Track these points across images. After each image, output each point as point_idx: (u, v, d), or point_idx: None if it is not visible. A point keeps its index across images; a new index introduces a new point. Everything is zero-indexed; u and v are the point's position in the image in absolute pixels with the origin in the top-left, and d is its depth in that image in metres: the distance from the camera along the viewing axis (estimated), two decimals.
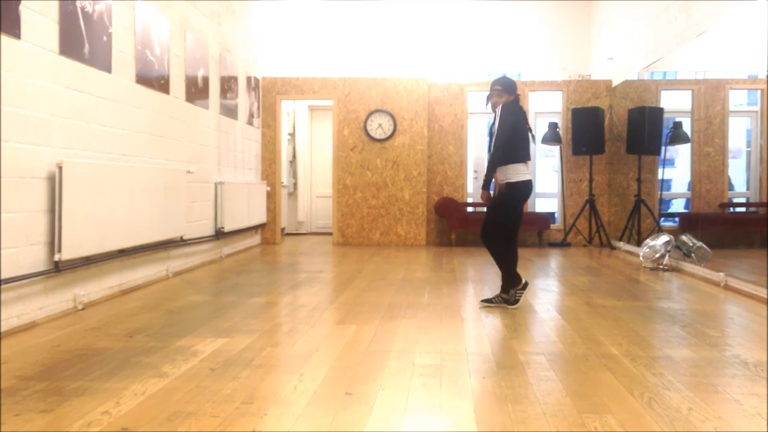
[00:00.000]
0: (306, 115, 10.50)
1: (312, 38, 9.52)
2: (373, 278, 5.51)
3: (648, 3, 7.14)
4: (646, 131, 7.32)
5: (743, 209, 6.72)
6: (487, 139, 4.62)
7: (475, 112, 9.04)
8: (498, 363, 2.91)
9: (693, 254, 5.93)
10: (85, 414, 2.21)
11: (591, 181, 8.42)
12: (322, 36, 9.50)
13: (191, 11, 5.98)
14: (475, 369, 2.80)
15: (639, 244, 7.05)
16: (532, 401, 2.38)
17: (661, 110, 7.37)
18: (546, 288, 5.10)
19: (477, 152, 9.43)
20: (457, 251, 7.81)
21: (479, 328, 3.62)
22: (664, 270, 6.03)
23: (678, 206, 7.69)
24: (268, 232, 8.63)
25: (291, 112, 10.01)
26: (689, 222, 6.86)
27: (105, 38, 4.35)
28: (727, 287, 5.00)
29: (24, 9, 3.48)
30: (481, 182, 4.74)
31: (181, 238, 5.58)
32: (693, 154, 6.64)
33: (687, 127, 6.76)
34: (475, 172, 9.46)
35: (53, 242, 3.72)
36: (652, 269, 6.12)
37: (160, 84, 5.24)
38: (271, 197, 8.59)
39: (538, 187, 9.15)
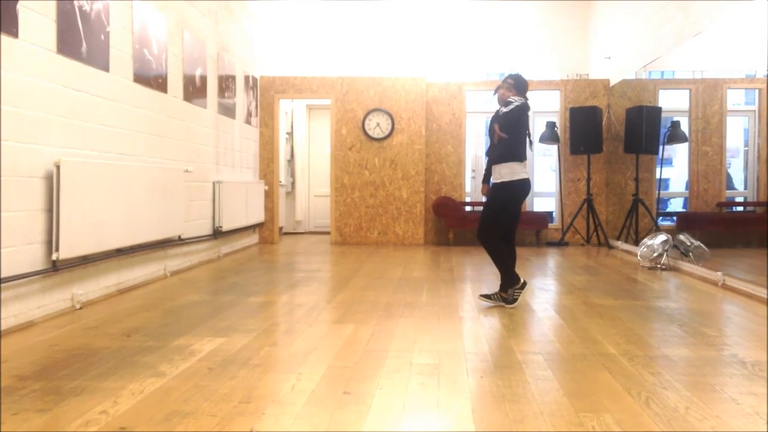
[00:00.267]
0: (304, 115, 10.50)
1: (310, 37, 9.52)
2: (371, 277, 5.51)
3: (646, 2, 7.15)
4: (644, 130, 7.32)
5: (741, 208, 6.73)
6: (485, 138, 4.62)
7: (473, 111, 9.03)
8: (496, 362, 2.91)
9: (691, 253, 5.94)
10: (83, 413, 2.21)
11: (589, 180, 8.43)
12: (320, 35, 9.50)
13: (189, 10, 5.98)
14: (472, 368, 2.80)
15: (637, 243, 7.06)
16: (529, 400, 2.38)
17: (658, 109, 7.37)
18: (544, 287, 5.11)
19: (475, 151, 9.43)
20: (455, 250, 7.81)
21: (477, 328, 3.62)
22: (662, 269, 6.04)
23: (676, 205, 7.69)
24: (266, 231, 8.62)
25: (289, 111, 10.01)
26: (687, 221, 6.87)
27: (102, 37, 4.34)
28: (725, 286, 5.01)
29: (22, 8, 3.48)
30: (480, 182, 4.74)
31: (179, 237, 5.58)
32: (691, 153, 6.64)
33: (685, 127, 6.76)
34: (473, 171, 9.46)
35: (51, 241, 3.72)
36: (649, 268, 6.12)
37: (158, 83, 5.24)
38: (269, 196, 8.59)
39: (536, 187, 9.15)
